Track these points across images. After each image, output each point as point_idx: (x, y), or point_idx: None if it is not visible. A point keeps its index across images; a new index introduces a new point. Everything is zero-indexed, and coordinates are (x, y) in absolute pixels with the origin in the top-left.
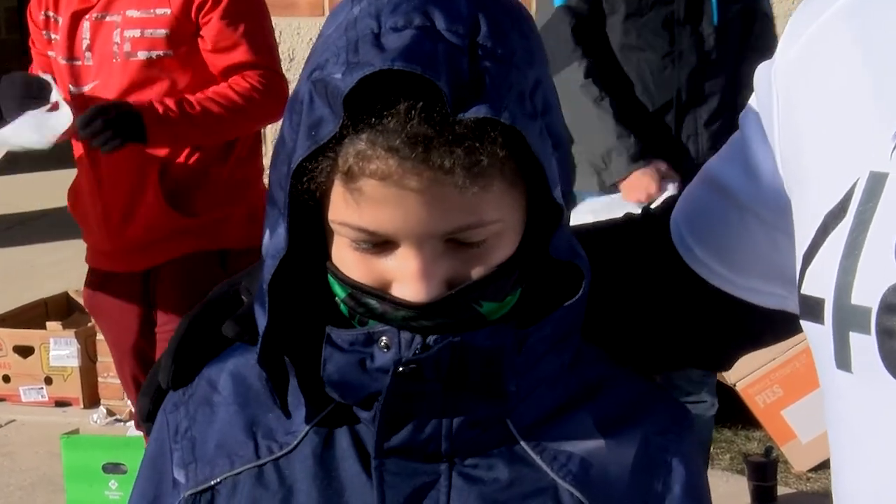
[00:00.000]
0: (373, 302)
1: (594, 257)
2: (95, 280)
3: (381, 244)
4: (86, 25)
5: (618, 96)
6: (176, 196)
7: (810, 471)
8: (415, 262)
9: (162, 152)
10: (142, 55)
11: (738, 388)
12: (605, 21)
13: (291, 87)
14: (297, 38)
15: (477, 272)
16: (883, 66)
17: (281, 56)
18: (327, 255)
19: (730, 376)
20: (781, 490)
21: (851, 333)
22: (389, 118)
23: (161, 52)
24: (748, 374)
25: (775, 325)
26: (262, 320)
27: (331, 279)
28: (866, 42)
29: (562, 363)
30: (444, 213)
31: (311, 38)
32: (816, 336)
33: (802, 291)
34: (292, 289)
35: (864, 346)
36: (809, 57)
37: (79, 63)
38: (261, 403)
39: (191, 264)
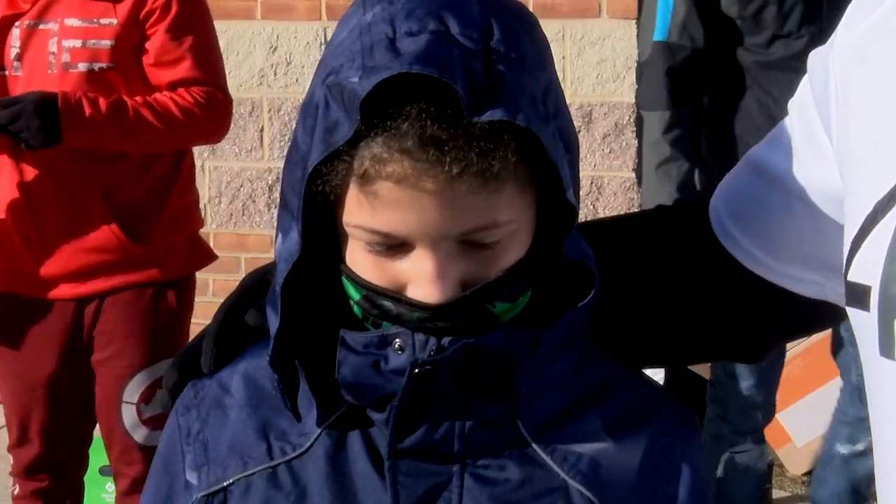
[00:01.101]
0: (388, 304)
1: (626, 248)
2: (6, 307)
3: (395, 246)
4: (15, 33)
5: (691, 162)
6: (127, 222)
7: (805, 474)
8: (430, 263)
9: (109, 176)
10: (82, 67)
11: None
12: (729, 47)
13: (280, 94)
14: (294, 42)
15: (490, 273)
16: None
17: (278, 60)
18: (340, 257)
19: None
20: (776, 493)
21: None
22: (404, 121)
23: (104, 65)
24: None
25: (810, 316)
26: (274, 323)
27: (345, 281)
28: None
29: (571, 364)
30: (459, 215)
31: (307, 43)
32: (861, 323)
33: (849, 278)
34: (304, 291)
35: None
36: (868, 45)
37: (5, 73)
38: (273, 406)
39: (141, 293)
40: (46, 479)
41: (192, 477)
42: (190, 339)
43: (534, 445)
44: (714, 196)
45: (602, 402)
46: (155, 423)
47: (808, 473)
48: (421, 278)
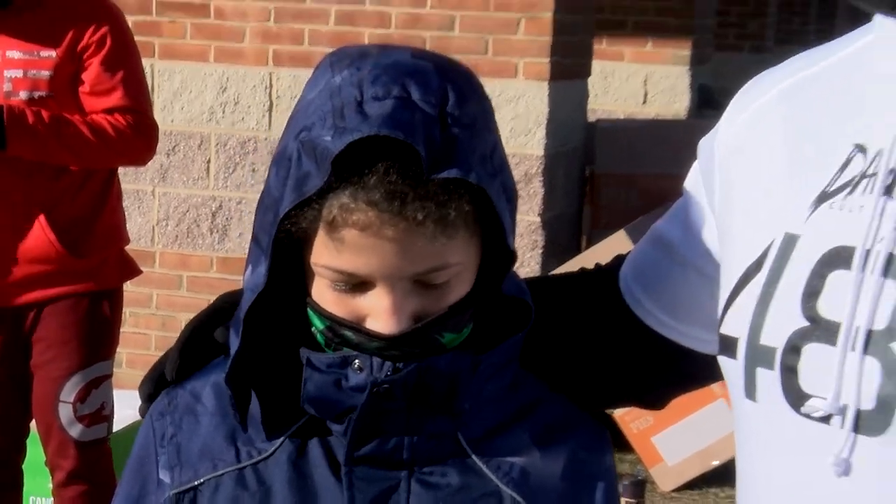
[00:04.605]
0: (349, 333)
1: (550, 303)
2: None
3: (357, 284)
4: None
5: None
6: (65, 237)
7: (673, 491)
8: (387, 300)
9: (48, 192)
10: (23, 95)
11: (616, 416)
12: None
13: (228, 128)
14: (242, 84)
15: (439, 308)
16: (801, 146)
17: (227, 99)
18: (306, 290)
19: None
20: None
21: (759, 368)
22: (372, 176)
23: (43, 93)
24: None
25: (704, 370)
26: (234, 344)
27: (310, 312)
28: (789, 125)
29: (504, 385)
30: (415, 259)
31: (254, 85)
32: (730, 369)
33: (721, 331)
34: (267, 317)
35: (769, 379)
36: (745, 134)
37: None
38: (237, 416)
39: (78, 303)
40: None
41: (164, 476)
42: (118, 344)
43: (473, 456)
44: (624, 263)
45: (530, 419)
46: (89, 420)
47: (676, 490)
48: (379, 313)
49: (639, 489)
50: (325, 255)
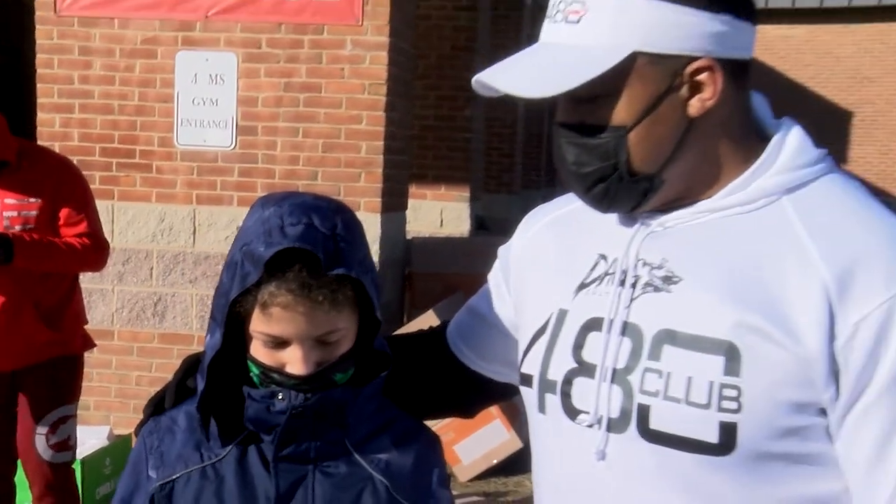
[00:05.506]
0: (275, 375)
1: (403, 353)
2: None
3: (280, 343)
4: None
5: None
6: (47, 320)
7: (468, 481)
8: (299, 353)
9: (35, 289)
10: (17, 227)
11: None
12: None
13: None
14: (175, 216)
15: (333, 357)
16: (566, 254)
17: (164, 227)
18: (246, 348)
19: (431, 425)
20: (452, 492)
21: (547, 394)
22: (289, 272)
23: (31, 226)
24: (436, 423)
25: (503, 391)
26: (200, 385)
27: (249, 363)
28: (558, 240)
29: (374, 408)
30: (317, 326)
31: (183, 217)
32: (528, 394)
33: (521, 370)
34: (220, 367)
35: (553, 401)
36: (530, 245)
37: None
38: (203, 432)
39: (54, 364)
40: None
41: (152, 473)
42: (78, 394)
43: (355, 454)
44: (450, 326)
45: (391, 430)
46: (57, 447)
47: (470, 480)
48: (294, 361)
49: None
50: (259, 324)
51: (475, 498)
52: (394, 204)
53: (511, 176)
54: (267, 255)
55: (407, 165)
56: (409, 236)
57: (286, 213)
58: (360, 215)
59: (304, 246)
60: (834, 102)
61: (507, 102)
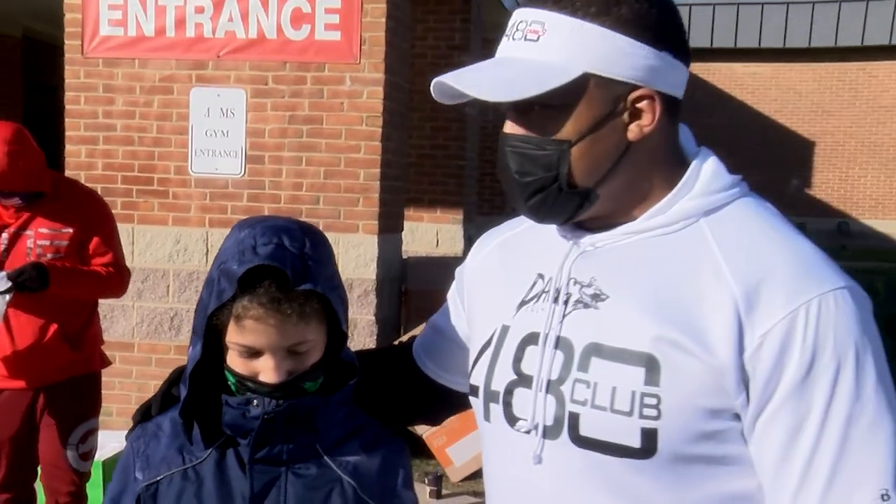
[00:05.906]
0: (249, 383)
1: (371, 365)
2: None
3: (253, 353)
4: (3, 236)
5: None
6: (71, 341)
7: (460, 482)
8: (271, 362)
9: (61, 314)
10: (49, 255)
11: (424, 437)
12: None
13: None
14: (189, 238)
15: (303, 367)
16: (509, 274)
17: (180, 248)
18: (223, 359)
19: (422, 431)
20: (445, 491)
21: (491, 403)
22: (260, 288)
23: (62, 255)
24: (429, 429)
25: (466, 400)
26: (183, 393)
27: (226, 372)
28: (503, 261)
29: (344, 415)
30: (287, 337)
31: (196, 239)
32: (476, 403)
33: (470, 381)
34: (201, 376)
35: (496, 410)
36: (480, 266)
37: None
38: (186, 436)
39: (76, 382)
40: (13, 491)
41: (139, 475)
42: (99, 409)
43: (325, 457)
44: (416, 341)
45: (359, 435)
46: (84, 457)
47: (462, 481)
48: (267, 371)
49: (438, 480)
50: (234, 336)
51: (466, 497)
52: (390, 226)
53: (502, 199)
54: (240, 271)
55: (403, 191)
56: (406, 256)
57: (258, 234)
58: (359, 237)
59: (274, 263)
60: (798, 133)
61: (498, 132)
